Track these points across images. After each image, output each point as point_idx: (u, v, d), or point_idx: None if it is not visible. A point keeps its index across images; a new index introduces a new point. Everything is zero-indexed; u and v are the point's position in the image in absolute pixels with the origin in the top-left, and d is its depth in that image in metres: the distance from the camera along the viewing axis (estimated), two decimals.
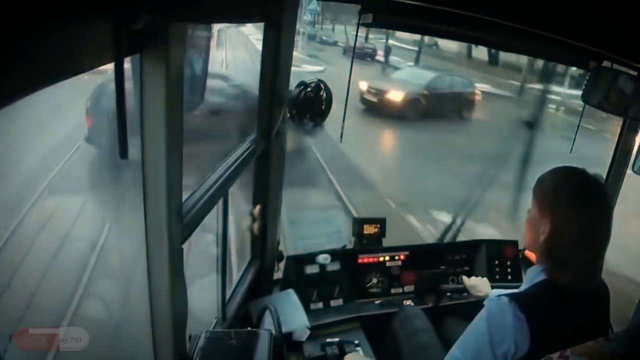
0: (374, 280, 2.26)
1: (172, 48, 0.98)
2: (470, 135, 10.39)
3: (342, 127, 2.08)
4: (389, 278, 2.28)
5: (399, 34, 17.81)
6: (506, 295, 1.16)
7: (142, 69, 0.99)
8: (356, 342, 1.88)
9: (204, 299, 1.77)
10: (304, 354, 1.84)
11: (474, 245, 2.44)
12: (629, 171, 2.13)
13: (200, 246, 2.03)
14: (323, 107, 1.83)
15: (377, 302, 2.24)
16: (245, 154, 1.70)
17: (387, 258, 2.29)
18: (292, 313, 1.92)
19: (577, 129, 2.26)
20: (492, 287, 1.98)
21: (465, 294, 2.10)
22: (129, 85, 0.94)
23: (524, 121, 6.89)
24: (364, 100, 11.61)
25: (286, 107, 1.80)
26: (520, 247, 2.46)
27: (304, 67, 12.98)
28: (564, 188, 1.18)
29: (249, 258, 2.11)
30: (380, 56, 18.48)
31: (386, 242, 2.37)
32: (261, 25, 1.73)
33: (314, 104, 1.80)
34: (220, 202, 1.60)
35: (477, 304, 1.59)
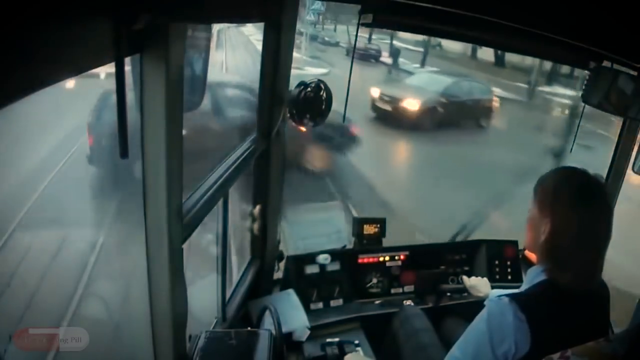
0: (374, 280, 2.26)
1: (172, 48, 0.98)
2: (491, 147, 9.33)
3: (342, 128, 2.07)
4: (389, 278, 2.28)
5: (402, 34, 17.17)
6: (507, 295, 1.16)
7: (142, 69, 0.99)
8: (356, 342, 1.88)
9: (206, 297, 1.78)
10: (304, 354, 1.84)
11: (474, 245, 2.44)
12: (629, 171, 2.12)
13: (201, 246, 2.03)
14: (323, 107, 1.83)
15: (377, 302, 2.24)
16: (245, 154, 1.70)
17: (387, 258, 2.29)
18: (292, 313, 1.92)
19: (577, 129, 2.26)
20: (492, 287, 1.98)
21: (465, 294, 2.10)
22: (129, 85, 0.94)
23: (550, 150, 5.92)
24: (375, 108, 10.68)
25: (286, 107, 1.80)
26: (520, 247, 2.46)
27: (307, 69, 12.15)
28: (564, 188, 1.18)
29: (249, 258, 2.12)
30: (384, 57, 17.91)
31: (387, 242, 2.37)
32: (261, 25, 1.74)
33: (314, 104, 1.80)
34: (220, 202, 1.60)
35: (477, 304, 1.59)
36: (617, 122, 2.34)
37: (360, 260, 2.25)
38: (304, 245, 2.22)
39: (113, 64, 0.77)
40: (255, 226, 2.02)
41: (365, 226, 2.33)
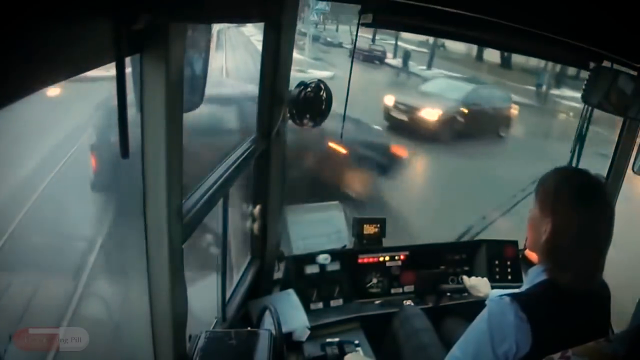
0: (374, 280, 2.26)
1: (172, 48, 0.98)
2: (513, 159, 8.36)
3: (342, 127, 2.08)
4: (389, 278, 2.28)
5: (405, 35, 16.55)
6: (507, 295, 1.16)
7: (142, 69, 0.99)
8: (356, 342, 1.88)
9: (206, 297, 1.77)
10: (304, 354, 1.84)
11: (474, 245, 2.44)
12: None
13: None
14: (323, 107, 1.84)
15: (377, 302, 2.24)
16: (245, 154, 1.70)
17: (387, 258, 2.29)
18: (292, 313, 1.92)
19: (578, 129, 2.26)
20: (492, 287, 1.98)
21: (465, 294, 2.10)
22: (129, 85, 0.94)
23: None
24: (389, 118, 9.86)
25: (286, 107, 1.80)
26: (520, 247, 2.47)
27: (311, 72, 11.31)
28: (565, 188, 1.18)
29: (249, 258, 2.12)
30: (389, 59, 17.53)
31: (387, 242, 2.37)
32: (262, 25, 1.74)
33: (314, 104, 1.80)
34: (220, 202, 1.60)
35: (477, 304, 1.59)
36: None
37: (360, 260, 2.25)
38: (304, 245, 2.22)
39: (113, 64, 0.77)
40: (255, 226, 2.02)
41: (365, 226, 2.33)
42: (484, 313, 1.18)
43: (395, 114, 9.89)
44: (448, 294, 2.22)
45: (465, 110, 9.92)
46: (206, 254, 2.04)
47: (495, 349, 1.12)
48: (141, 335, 1.26)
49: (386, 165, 6.84)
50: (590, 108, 2.10)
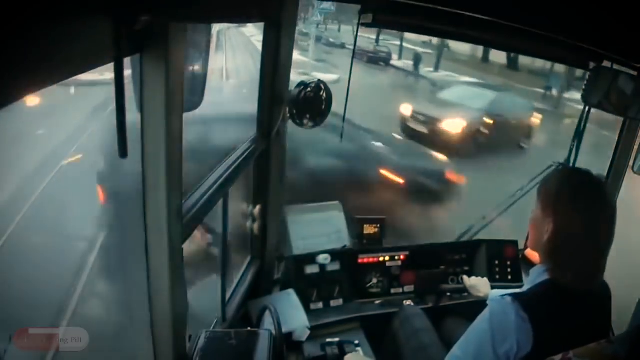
0: (374, 280, 2.26)
1: (172, 48, 0.98)
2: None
3: (342, 128, 2.08)
4: (389, 278, 2.28)
5: (409, 35, 15.87)
6: (509, 295, 1.16)
7: (142, 69, 0.99)
8: (356, 342, 1.88)
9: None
10: (304, 354, 1.84)
11: (474, 245, 2.44)
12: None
13: None
14: (323, 107, 1.84)
15: (377, 302, 2.24)
16: (245, 154, 1.70)
17: (387, 258, 2.29)
18: (292, 313, 1.92)
19: (577, 128, 2.26)
20: (492, 287, 1.98)
21: (466, 294, 2.10)
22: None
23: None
24: (406, 129, 8.88)
25: (286, 107, 1.80)
26: (520, 247, 2.47)
27: (315, 75, 10.05)
28: (567, 188, 1.18)
29: (249, 258, 2.12)
30: (394, 60, 16.85)
31: (387, 242, 2.37)
32: (262, 25, 1.74)
33: (314, 104, 1.80)
34: (220, 202, 1.60)
35: (478, 304, 1.59)
36: None
37: (360, 260, 2.25)
38: (304, 245, 2.22)
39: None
40: (255, 226, 2.02)
41: (365, 226, 2.33)
42: (485, 313, 1.18)
43: (413, 125, 8.89)
44: (448, 294, 2.22)
45: (490, 121, 8.89)
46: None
47: (497, 349, 1.12)
48: (141, 335, 1.26)
49: (442, 192, 5.94)
50: (589, 107, 2.10)
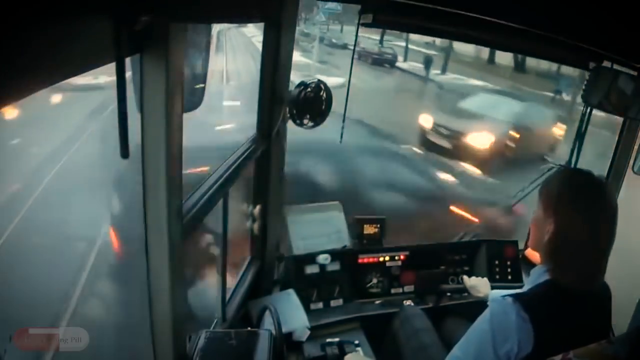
0: (374, 280, 2.26)
1: (172, 48, 0.98)
2: None
3: (342, 128, 2.08)
4: (389, 278, 2.28)
5: (413, 36, 15.19)
6: (510, 295, 1.16)
7: (142, 69, 0.99)
8: (356, 342, 1.88)
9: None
10: (304, 354, 1.84)
11: (474, 245, 2.44)
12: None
13: None
14: (323, 107, 1.84)
15: (377, 302, 2.24)
16: (245, 154, 1.70)
17: (387, 258, 2.29)
18: (292, 313, 1.92)
19: (578, 128, 2.26)
20: (492, 288, 1.98)
21: (466, 294, 2.10)
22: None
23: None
24: (426, 142, 8.08)
25: (286, 107, 1.80)
26: (520, 247, 2.47)
27: (319, 78, 9.76)
28: (568, 189, 1.18)
29: (249, 258, 2.12)
30: (400, 62, 16.12)
31: (387, 242, 2.37)
32: (262, 26, 1.74)
33: (314, 104, 1.80)
34: (220, 202, 1.60)
35: (478, 304, 1.60)
36: None
37: (360, 260, 2.25)
38: (304, 245, 2.22)
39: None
40: (255, 226, 2.02)
41: (365, 226, 2.33)
42: (486, 313, 1.18)
43: (434, 138, 8.00)
44: (448, 294, 2.22)
45: (517, 135, 7.91)
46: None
47: (497, 349, 1.12)
48: (141, 335, 1.26)
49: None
50: (590, 108, 2.10)
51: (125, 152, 0.76)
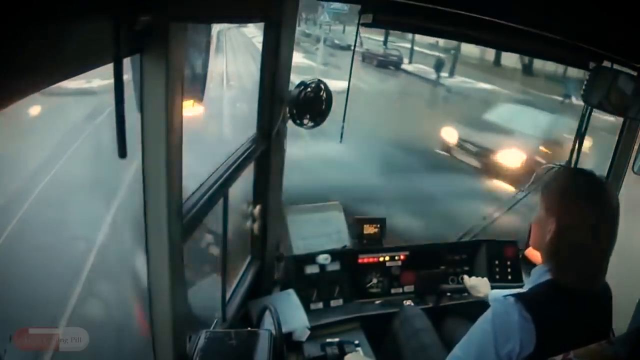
0: (374, 281, 2.26)
1: (172, 48, 0.98)
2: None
3: (342, 128, 2.08)
4: (389, 278, 2.28)
5: (417, 37, 15.01)
6: (511, 295, 1.16)
7: (142, 69, 0.99)
8: (356, 342, 1.88)
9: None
10: (304, 354, 1.84)
11: (474, 245, 2.44)
12: None
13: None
14: (323, 107, 1.84)
15: (377, 302, 2.24)
16: (245, 154, 1.70)
17: (387, 258, 2.29)
18: (292, 313, 1.92)
19: (578, 128, 2.26)
20: (492, 288, 1.98)
21: (466, 294, 2.10)
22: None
23: None
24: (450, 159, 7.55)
25: (286, 107, 1.81)
26: (520, 247, 2.47)
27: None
28: (569, 188, 1.18)
29: (249, 258, 2.12)
30: (405, 64, 15.78)
31: (387, 242, 2.37)
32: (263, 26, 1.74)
33: (314, 104, 1.80)
34: (221, 202, 1.60)
35: (478, 304, 1.60)
36: None
37: (360, 260, 2.25)
38: (304, 245, 2.22)
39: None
40: (255, 226, 2.02)
41: (365, 226, 2.33)
42: (487, 313, 1.17)
43: (460, 155, 7.35)
44: (448, 294, 2.22)
45: (548, 151, 7.09)
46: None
47: (499, 349, 1.12)
48: (141, 335, 1.26)
49: None
50: (590, 108, 2.10)
51: (122, 152, 0.76)
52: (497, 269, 2.36)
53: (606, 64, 1.84)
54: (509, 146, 7.23)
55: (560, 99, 11.75)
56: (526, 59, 14.26)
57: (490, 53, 16.01)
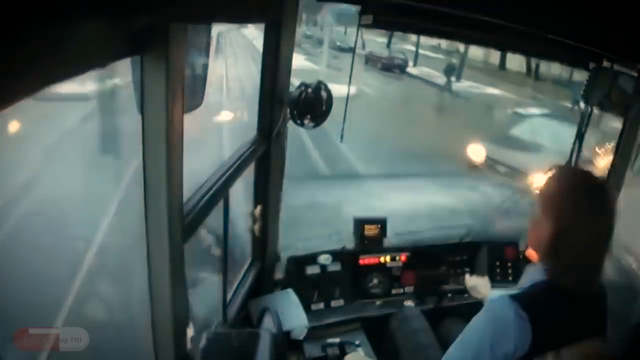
0: (375, 281, 2.26)
1: (172, 48, 0.99)
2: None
3: (343, 128, 2.08)
4: (389, 279, 2.28)
5: (420, 39, 14.73)
6: (508, 295, 1.16)
7: (142, 69, 0.99)
8: (357, 342, 1.88)
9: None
10: (304, 354, 1.84)
11: (475, 246, 2.44)
12: None
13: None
14: (324, 108, 1.84)
15: (377, 302, 2.24)
16: (246, 155, 1.70)
17: (387, 259, 2.29)
18: (290, 312, 1.92)
19: (578, 128, 2.25)
20: (493, 288, 1.98)
21: (466, 295, 2.10)
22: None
23: None
24: None
25: (287, 108, 1.81)
26: (521, 248, 2.46)
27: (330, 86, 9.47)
28: (567, 188, 1.18)
29: (250, 259, 2.11)
30: (410, 67, 15.44)
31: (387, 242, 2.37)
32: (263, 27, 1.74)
33: (314, 105, 1.80)
34: (221, 203, 1.60)
35: (478, 304, 1.59)
36: None
37: (361, 261, 2.25)
38: (304, 245, 2.22)
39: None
40: (256, 227, 2.02)
41: (365, 227, 2.33)
42: (482, 313, 1.17)
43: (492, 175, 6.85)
44: (449, 294, 2.22)
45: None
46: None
47: (495, 349, 1.11)
48: (142, 335, 1.26)
49: None
50: (590, 109, 2.10)
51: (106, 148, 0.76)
52: (498, 270, 2.36)
53: (606, 64, 1.84)
54: (541, 165, 6.92)
55: (570, 105, 11.49)
56: (532, 62, 14.08)
57: (494, 56, 15.78)
